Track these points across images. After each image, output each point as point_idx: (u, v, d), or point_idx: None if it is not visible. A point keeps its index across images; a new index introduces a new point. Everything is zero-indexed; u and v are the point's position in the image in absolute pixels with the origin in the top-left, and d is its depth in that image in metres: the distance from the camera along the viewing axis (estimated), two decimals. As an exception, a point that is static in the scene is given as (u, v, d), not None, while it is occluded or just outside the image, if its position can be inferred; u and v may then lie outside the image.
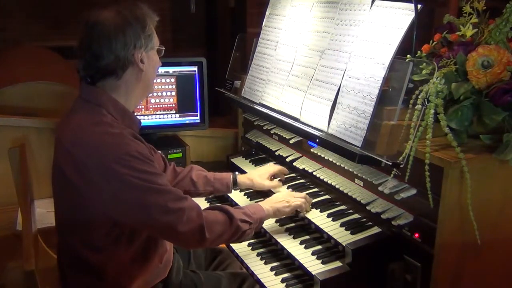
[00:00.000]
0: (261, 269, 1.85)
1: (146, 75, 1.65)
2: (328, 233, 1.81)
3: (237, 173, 2.22)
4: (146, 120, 2.64)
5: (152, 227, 1.57)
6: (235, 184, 2.18)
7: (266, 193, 2.19)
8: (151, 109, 2.64)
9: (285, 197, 1.96)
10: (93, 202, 1.52)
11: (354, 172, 1.87)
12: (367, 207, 1.80)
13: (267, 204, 1.90)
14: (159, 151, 2.09)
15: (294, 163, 2.23)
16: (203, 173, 2.16)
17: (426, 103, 1.54)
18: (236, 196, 2.26)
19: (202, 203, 2.30)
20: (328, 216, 1.91)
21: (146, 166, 1.51)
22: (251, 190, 2.29)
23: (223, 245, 2.06)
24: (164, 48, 1.72)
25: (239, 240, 1.76)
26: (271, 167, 2.25)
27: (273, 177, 2.23)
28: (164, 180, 1.58)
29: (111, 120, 1.56)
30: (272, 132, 2.44)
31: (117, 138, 1.51)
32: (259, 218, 1.81)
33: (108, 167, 1.47)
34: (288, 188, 2.18)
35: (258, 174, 2.20)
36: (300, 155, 2.26)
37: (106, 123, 1.54)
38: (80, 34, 1.57)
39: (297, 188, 2.16)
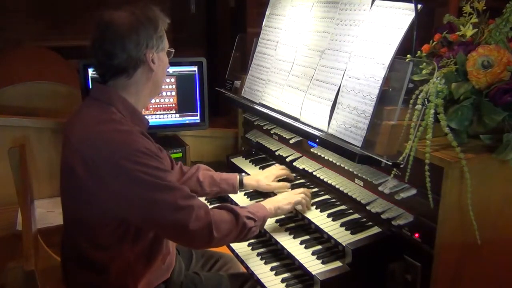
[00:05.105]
0: (261, 269, 1.85)
1: (156, 75, 1.67)
2: (328, 233, 1.81)
3: (243, 174, 2.21)
4: (146, 120, 2.64)
5: (161, 225, 1.55)
6: (241, 185, 2.17)
7: (267, 194, 2.18)
8: (151, 109, 2.64)
9: (286, 196, 1.97)
10: (102, 200, 1.51)
11: (354, 172, 1.87)
12: (367, 207, 1.80)
13: (268, 203, 1.90)
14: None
15: (294, 163, 2.23)
16: (210, 172, 2.15)
17: (426, 103, 1.54)
18: (236, 196, 2.26)
19: (202, 202, 2.30)
20: (328, 216, 1.91)
21: (155, 162, 1.51)
22: (251, 191, 2.28)
23: (225, 250, 2.06)
24: (173, 50, 1.74)
25: (245, 238, 1.76)
26: (277, 171, 2.22)
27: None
28: (172, 178, 1.58)
29: (120, 118, 1.57)
30: (272, 132, 2.44)
31: (126, 135, 1.52)
32: (263, 216, 1.81)
33: (117, 164, 1.47)
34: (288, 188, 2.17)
35: (265, 176, 2.19)
36: (300, 155, 2.26)
37: (115, 120, 1.55)
38: (93, 33, 1.59)
39: (297, 188, 2.15)
